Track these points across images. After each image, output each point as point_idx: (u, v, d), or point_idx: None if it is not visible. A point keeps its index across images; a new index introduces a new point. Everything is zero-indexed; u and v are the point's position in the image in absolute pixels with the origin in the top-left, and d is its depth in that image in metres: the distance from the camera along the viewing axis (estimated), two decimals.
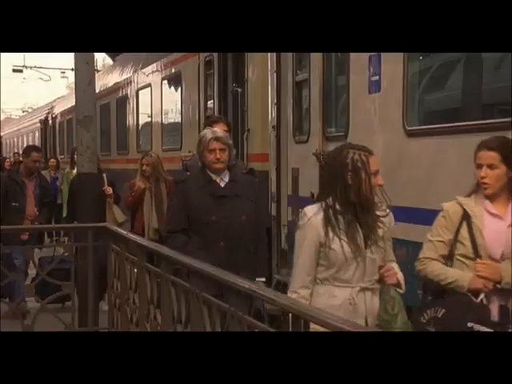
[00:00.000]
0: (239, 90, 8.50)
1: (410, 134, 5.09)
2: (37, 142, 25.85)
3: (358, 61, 5.70)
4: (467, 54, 4.62)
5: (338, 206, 3.37)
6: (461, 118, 4.77)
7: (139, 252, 4.49)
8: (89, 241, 5.49)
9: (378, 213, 3.44)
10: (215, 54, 9.05)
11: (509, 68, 4.18)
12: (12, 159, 18.79)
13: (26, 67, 41.63)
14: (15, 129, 33.34)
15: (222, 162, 4.74)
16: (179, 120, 10.90)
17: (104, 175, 8.50)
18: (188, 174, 5.09)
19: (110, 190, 8.30)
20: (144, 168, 8.03)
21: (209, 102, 9.57)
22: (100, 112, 14.55)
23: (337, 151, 3.47)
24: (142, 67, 12.88)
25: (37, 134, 26.15)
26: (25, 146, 28.61)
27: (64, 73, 46.42)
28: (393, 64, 5.25)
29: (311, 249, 3.41)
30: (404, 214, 5.11)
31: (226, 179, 4.80)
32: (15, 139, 32.61)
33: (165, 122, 11.87)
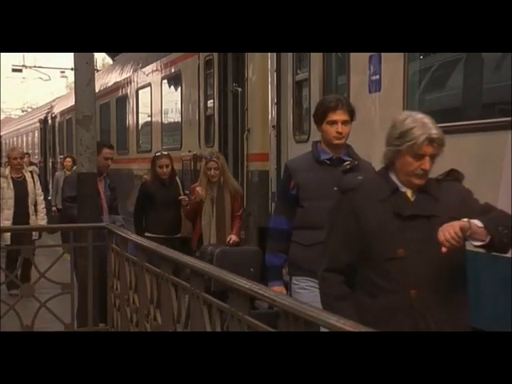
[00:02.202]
0: (239, 89, 8.49)
1: None
2: (36, 142, 25.88)
3: (358, 60, 5.70)
4: (467, 54, 4.62)
5: None
6: (461, 117, 4.77)
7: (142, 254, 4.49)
8: (89, 241, 5.50)
9: None
10: (215, 54, 9.05)
11: (509, 67, 4.17)
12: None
13: (26, 67, 41.62)
14: (15, 128, 33.34)
15: (427, 174, 3.07)
16: (179, 120, 10.90)
17: (177, 180, 7.59)
18: (360, 178, 3.28)
19: (186, 201, 7.19)
20: (212, 173, 6.80)
21: (209, 102, 9.57)
22: (100, 111, 14.55)
23: None
24: (142, 67, 12.87)
25: (36, 134, 26.14)
26: (24, 145, 28.58)
27: (64, 72, 46.46)
28: (393, 63, 5.25)
29: None
30: None
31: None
32: (15, 139, 32.61)
33: (165, 121, 11.87)
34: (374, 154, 5.62)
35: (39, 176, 10.06)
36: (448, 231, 2.75)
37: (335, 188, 3.39)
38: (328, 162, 4.10)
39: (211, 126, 9.41)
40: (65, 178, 8.63)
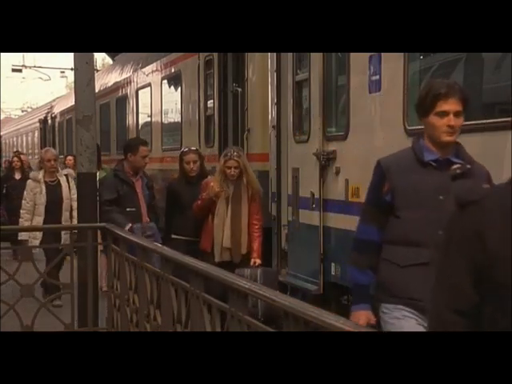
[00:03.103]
0: (239, 89, 8.49)
1: (411, 134, 5.09)
2: (36, 142, 25.89)
3: (358, 60, 5.71)
4: (467, 54, 4.62)
5: None
6: None
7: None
8: (88, 241, 5.50)
9: None
10: (215, 54, 9.05)
11: (509, 67, 4.18)
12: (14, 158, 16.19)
13: (26, 67, 41.65)
14: (15, 128, 33.36)
15: None
16: (179, 120, 10.90)
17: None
18: (486, 187, 2.66)
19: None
20: (232, 172, 6.21)
21: (209, 102, 9.57)
22: (100, 111, 14.55)
23: None
24: (142, 67, 12.88)
25: (36, 134, 26.16)
26: (24, 145, 28.52)
27: (63, 72, 46.48)
28: (393, 63, 5.25)
29: None
30: None
31: None
32: (15, 139, 32.62)
33: (165, 121, 11.87)
34: (374, 154, 5.63)
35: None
36: None
37: (441, 197, 3.01)
38: (434, 163, 3.37)
39: (211, 126, 9.41)
40: (100, 180, 7.73)
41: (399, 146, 5.25)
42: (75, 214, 8.13)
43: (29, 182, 8.70)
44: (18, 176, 12.47)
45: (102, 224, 5.66)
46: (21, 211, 8.55)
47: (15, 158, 12.93)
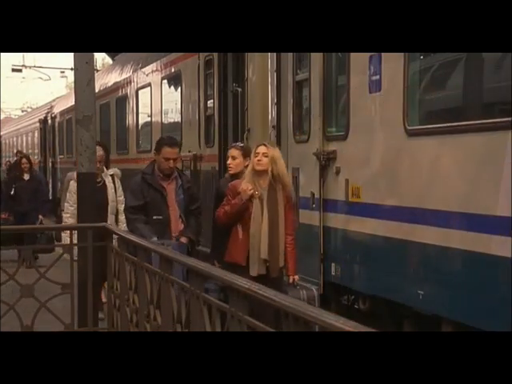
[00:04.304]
0: (239, 89, 8.49)
1: (411, 134, 5.09)
2: (36, 142, 25.88)
3: (358, 60, 5.71)
4: (467, 54, 4.62)
5: None
6: (461, 117, 4.77)
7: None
8: (88, 241, 5.49)
9: None
10: (215, 54, 9.05)
11: (509, 67, 4.18)
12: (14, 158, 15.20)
13: (26, 67, 41.64)
14: (15, 128, 33.36)
15: None
16: (179, 120, 10.90)
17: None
18: None
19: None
20: (260, 157, 5.36)
21: (209, 102, 9.57)
22: (100, 111, 14.55)
23: None
24: (142, 67, 12.88)
25: (36, 134, 26.16)
26: (24, 145, 28.51)
27: (63, 72, 46.47)
28: (393, 63, 5.25)
29: None
30: (404, 214, 5.11)
31: None
32: (15, 139, 32.62)
33: (165, 121, 11.87)
34: (374, 154, 5.63)
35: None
36: None
37: None
38: None
39: (211, 126, 9.41)
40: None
41: (399, 146, 5.27)
42: (122, 217, 7.52)
43: (71, 182, 7.91)
44: (26, 177, 12.36)
45: (102, 224, 5.65)
46: (63, 215, 8.05)
47: (24, 160, 12.69)
